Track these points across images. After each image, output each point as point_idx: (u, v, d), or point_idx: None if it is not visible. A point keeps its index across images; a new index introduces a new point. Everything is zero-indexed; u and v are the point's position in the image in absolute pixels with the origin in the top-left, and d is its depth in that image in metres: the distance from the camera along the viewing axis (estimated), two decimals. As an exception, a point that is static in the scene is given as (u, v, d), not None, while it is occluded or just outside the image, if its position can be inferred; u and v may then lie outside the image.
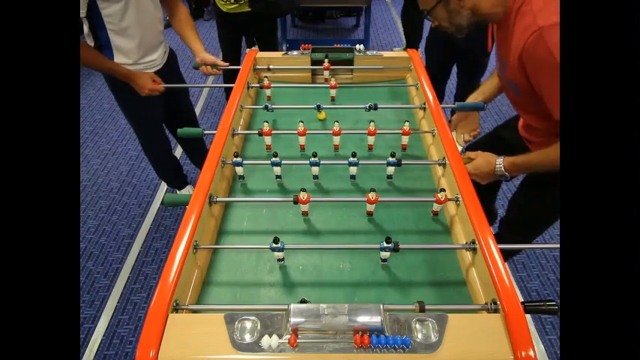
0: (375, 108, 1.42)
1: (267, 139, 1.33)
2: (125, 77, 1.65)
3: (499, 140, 1.56)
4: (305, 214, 1.13)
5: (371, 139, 1.32)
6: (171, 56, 1.88)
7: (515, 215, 1.61)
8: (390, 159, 1.19)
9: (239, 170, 1.24)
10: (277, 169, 1.22)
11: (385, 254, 0.97)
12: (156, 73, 1.73)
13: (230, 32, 2.62)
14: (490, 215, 1.91)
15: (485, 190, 1.45)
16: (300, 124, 1.30)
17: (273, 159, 1.20)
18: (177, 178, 2.36)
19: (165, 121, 2.08)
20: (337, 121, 1.30)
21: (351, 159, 1.19)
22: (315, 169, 1.22)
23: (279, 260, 1.01)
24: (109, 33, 1.57)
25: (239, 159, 1.20)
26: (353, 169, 1.22)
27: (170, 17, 1.83)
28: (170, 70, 1.84)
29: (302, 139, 1.33)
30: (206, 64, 1.77)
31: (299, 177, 1.27)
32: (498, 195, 2.38)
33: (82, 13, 1.48)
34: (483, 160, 1.25)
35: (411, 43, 3.77)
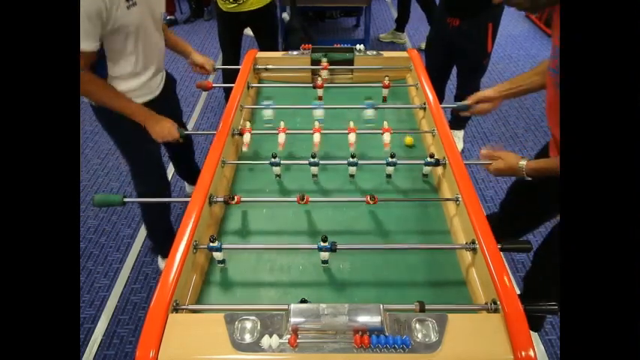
0: (375, 108, 1.41)
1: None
2: (142, 119, 1.40)
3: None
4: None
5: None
6: (168, 83, 1.65)
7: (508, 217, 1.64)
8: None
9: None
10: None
11: (325, 255, 0.96)
12: (152, 100, 1.52)
13: (230, 32, 2.62)
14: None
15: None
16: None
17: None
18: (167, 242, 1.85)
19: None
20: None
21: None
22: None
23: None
24: (108, 64, 1.36)
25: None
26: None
27: None
28: (166, 96, 1.61)
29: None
30: (196, 65, 1.72)
31: (301, 176, 1.26)
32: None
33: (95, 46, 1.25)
34: (505, 164, 1.24)
35: (401, 25, 3.95)
